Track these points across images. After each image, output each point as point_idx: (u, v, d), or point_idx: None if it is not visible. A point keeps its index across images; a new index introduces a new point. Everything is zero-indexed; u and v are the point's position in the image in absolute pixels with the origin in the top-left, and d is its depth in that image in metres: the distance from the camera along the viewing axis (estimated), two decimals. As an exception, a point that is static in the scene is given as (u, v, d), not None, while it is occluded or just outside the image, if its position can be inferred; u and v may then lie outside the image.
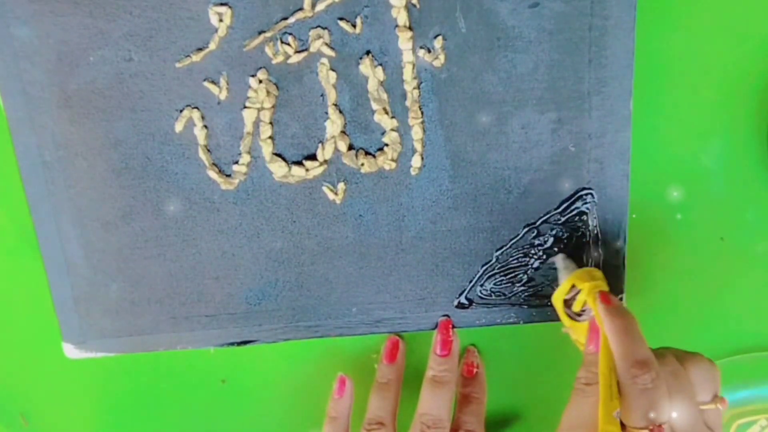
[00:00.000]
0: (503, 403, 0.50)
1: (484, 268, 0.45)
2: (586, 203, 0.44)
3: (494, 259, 0.44)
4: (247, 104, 0.42)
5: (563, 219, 0.44)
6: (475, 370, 0.47)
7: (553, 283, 0.45)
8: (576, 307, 0.40)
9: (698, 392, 0.37)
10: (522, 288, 0.45)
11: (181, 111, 0.42)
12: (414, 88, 0.42)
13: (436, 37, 0.41)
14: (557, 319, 0.45)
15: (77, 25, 0.40)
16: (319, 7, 0.40)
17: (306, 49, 0.41)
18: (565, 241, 0.44)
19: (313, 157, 0.43)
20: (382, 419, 0.44)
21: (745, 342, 0.49)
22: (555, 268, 0.44)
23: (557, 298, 0.41)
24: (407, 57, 0.41)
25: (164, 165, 0.42)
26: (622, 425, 0.35)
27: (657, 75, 0.43)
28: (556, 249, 0.44)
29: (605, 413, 0.35)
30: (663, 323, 0.48)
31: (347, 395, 0.46)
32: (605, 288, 0.40)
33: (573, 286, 0.41)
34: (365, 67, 0.41)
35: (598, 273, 0.41)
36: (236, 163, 0.43)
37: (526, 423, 0.50)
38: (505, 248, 0.44)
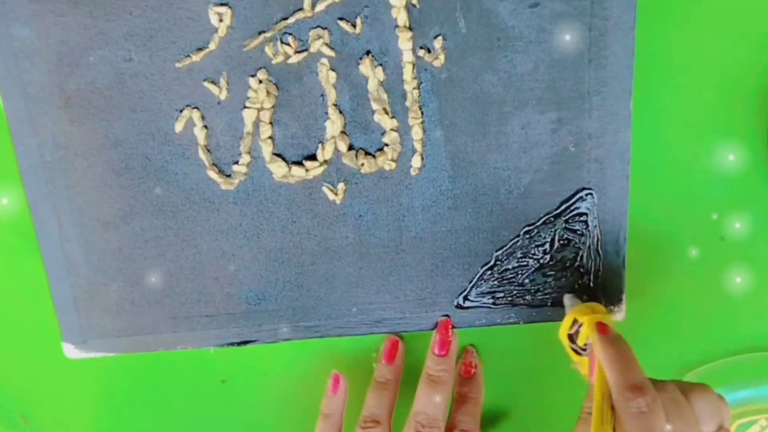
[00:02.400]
0: (501, 403, 0.50)
1: (484, 268, 0.45)
2: (586, 204, 0.44)
3: (494, 260, 0.44)
4: (247, 104, 0.42)
5: (563, 219, 0.44)
6: (473, 370, 0.47)
7: (555, 291, 0.45)
8: (580, 341, 0.41)
9: (701, 422, 0.37)
10: (522, 288, 0.45)
11: (181, 111, 0.42)
12: (414, 88, 0.42)
13: (436, 37, 0.41)
14: (557, 319, 0.45)
15: (77, 25, 0.40)
16: (319, 7, 0.40)
17: (306, 49, 0.41)
18: (566, 241, 0.44)
19: (313, 157, 0.43)
20: (378, 417, 0.44)
21: (745, 342, 0.49)
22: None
23: (562, 334, 0.42)
24: (407, 57, 0.41)
25: (164, 165, 0.42)
26: None
27: (657, 75, 0.43)
28: (557, 247, 0.44)
29: None
30: (663, 323, 0.48)
31: (341, 392, 0.46)
32: (605, 321, 0.40)
33: (575, 321, 0.41)
34: (365, 67, 0.41)
35: (600, 307, 0.42)
36: (236, 163, 0.43)
37: (524, 423, 0.50)
38: (505, 248, 0.44)
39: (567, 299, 0.45)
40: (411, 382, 0.45)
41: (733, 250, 0.47)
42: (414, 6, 0.40)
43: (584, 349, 0.41)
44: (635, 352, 0.38)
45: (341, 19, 0.40)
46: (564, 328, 0.42)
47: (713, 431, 0.37)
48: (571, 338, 0.42)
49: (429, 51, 0.41)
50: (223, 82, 0.41)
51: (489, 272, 0.45)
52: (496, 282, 0.45)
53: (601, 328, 0.39)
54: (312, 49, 0.41)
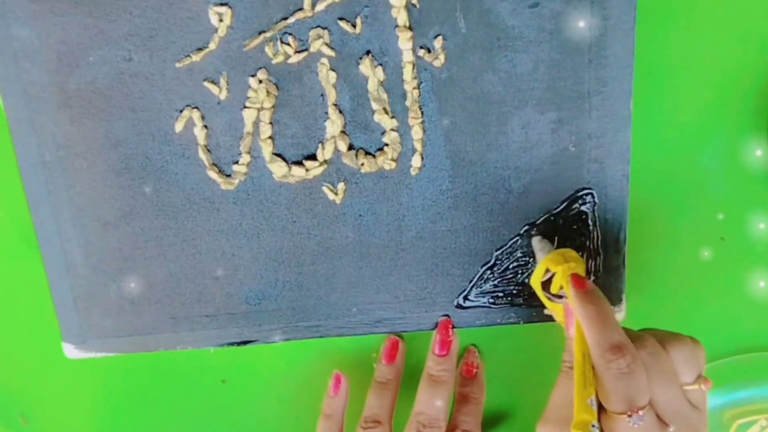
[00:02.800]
0: (501, 403, 0.50)
1: (484, 268, 0.45)
2: (586, 203, 0.44)
3: (494, 259, 0.44)
4: (247, 104, 0.42)
5: (563, 219, 0.44)
6: (474, 370, 0.47)
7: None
8: (553, 289, 0.40)
9: (681, 373, 0.37)
10: (522, 288, 0.45)
11: (181, 111, 0.42)
12: (414, 88, 0.42)
13: (436, 37, 0.41)
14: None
15: (77, 25, 0.40)
16: (319, 7, 0.40)
17: (306, 49, 0.41)
18: (565, 241, 0.44)
19: (313, 157, 0.43)
20: (379, 417, 0.44)
21: (745, 342, 0.49)
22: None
23: (534, 282, 0.41)
24: (407, 57, 0.41)
25: (164, 165, 0.42)
26: (602, 409, 0.35)
27: (657, 75, 0.43)
28: (557, 247, 0.44)
29: (580, 401, 0.35)
30: (663, 323, 0.48)
31: (342, 393, 0.46)
32: (579, 270, 0.39)
33: (548, 269, 0.41)
34: (365, 67, 0.41)
35: (572, 254, 0.41)
36: (236, 163, 0.43)
37: (524, 423, 0.50)
38: (505, 248, 0.44)
39: (536, 243, 0.43)
40: (411, 383, 0.45)
41: (733, 250, 0.47)
42: (414, 6, 0.40)
43: (559, 297, 0.40)
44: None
45: (341, 19, 0.41)
46: (536, 276, 0.41)
47: (692, 381, 0.37)
48: (544, 285, 0.41)
49: (429, 51, 0.41)
50: (223, 82, 0.41)
51: (489, 272, 0.45)
52: (496, 282, 0.45)
53: (577, 281, 0.38)
54: (312, 49, 0.41)
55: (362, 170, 0.43)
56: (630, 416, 0.34)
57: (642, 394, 0.35)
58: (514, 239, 0.44)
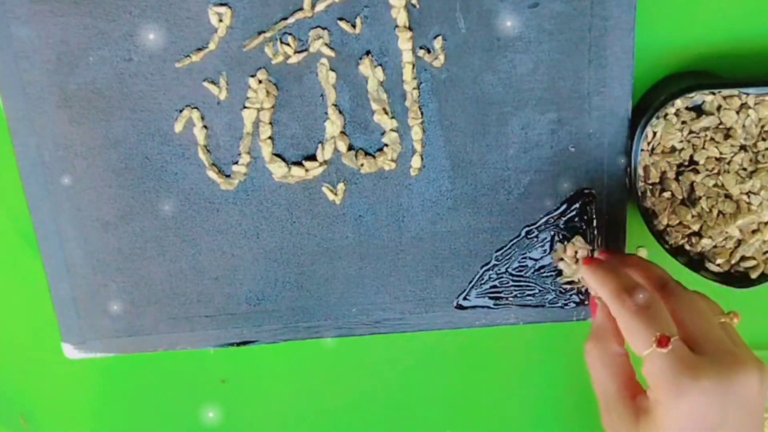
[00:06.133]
0: (501, 403, 0.50)
1: (484, 268, 0.45)
2: (586, 204, 0.43)
3: (494, 260, 0.44)
4: (247, 104, 0.42)
5: (563, 220, 0.44)
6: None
7: (555, 291, 0.45)
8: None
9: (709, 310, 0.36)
10: (521, 288, 0.45)
11: (180, 111, 0.42)
12: (414, 89, 0.42)
13: (436, 37, 0.41)
14: (557, 319, 0.45)
15: (77, 25, 0.40)
16: (319, 7, 0.40)
17: (306, 50, 0.41)
18: (566, 242, 0.44)
19: (312, 157, 0.43)
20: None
21: (747, 339, 0.49)
22: (554, 270, 0.45)
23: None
24: (407, 57, 0.41)
25: (164, 165, 0.42)
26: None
27: (657, 75, 0.43)
28: (556, 248, 0.44)
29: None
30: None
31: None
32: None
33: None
34: (365, 67, 0.41)
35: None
36: (236, 163, 0.43)
37: (524, 422, 0.50)
38: (504, 249, 0.44)
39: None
40: (412, 384, 0.45)
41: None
42: (414, 6, 0.40)
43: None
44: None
45: (341, 19, 0.40)
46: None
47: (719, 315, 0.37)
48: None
49: (429, 51, 0.41)
50: (222, 82, 0.41)
51: (489, 272, 0.45)
52: (495, 282, 0.45)
53: (585, 260, 0.41)
54: (312, 49, 0.41)
55: (362, 171, 0.43)
56: (658, 346, 0.33)
57: (664, 325, 0.33)
58: (514, 240, 0.44)
